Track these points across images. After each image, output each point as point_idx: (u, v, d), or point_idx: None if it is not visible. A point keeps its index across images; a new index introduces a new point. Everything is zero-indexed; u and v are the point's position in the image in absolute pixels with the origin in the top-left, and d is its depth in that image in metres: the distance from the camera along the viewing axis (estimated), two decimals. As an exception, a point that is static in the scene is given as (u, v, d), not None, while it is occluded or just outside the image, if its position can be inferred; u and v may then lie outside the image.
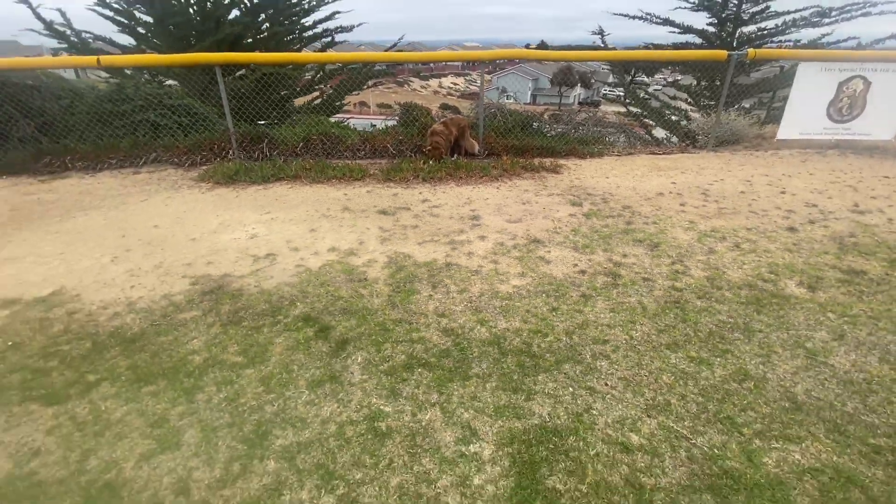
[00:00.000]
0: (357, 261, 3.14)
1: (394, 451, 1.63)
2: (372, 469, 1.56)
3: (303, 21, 10.41)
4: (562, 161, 5.61)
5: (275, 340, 2.28)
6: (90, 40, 10.79)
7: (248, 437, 1.69)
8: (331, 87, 11.40)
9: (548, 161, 5.50)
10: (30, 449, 1.66)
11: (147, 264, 3.11)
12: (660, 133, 11.31)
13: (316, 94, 11.09)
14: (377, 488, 1.49)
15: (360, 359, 2.14)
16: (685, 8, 11.65)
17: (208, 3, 10.01)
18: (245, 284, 2.83)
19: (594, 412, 1.81)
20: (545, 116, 8.33)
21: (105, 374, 2.04)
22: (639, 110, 12.34)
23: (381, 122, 7.59)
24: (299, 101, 11.16)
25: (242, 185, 4.73)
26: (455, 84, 69.79)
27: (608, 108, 19.51)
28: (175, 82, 9.78)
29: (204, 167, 5.26)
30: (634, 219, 3.83)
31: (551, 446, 1.64)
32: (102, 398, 1.90)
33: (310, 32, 10.55)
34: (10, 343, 2.29)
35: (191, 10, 9.80)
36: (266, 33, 10.10)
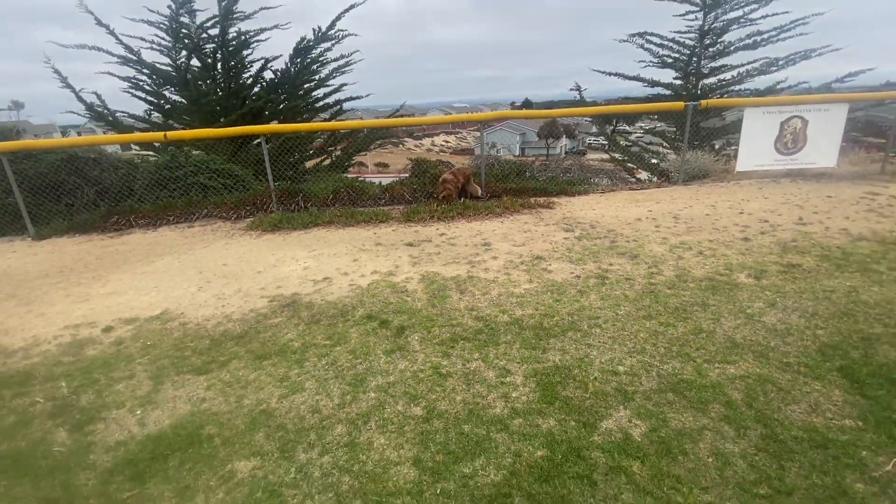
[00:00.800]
0: (396, 279, 3.95)
1: (454, 384, 2.37)
2: (441, 393, 2.30)
3: (314, 94, 11.88)
4: (554, 199, 6.58)
5: (349, 331, 3.04)
6: (124, 118, 12.18)
7: (351, 383, 2.43)
8: (340, 149, 12.73)
9: (542, 199, 6.47)
10: (198, 398, 2.39)
11: (228, 290, 3.91)
12: (643, 175, 12.56)
13: (325, 156, 12.38)
14: (447, 402, 2.22)
15: (416, 337, 2.90)
16: (653, 65, 13.30)
17: (232, 84, 11.49)
18: (313, 299, 3.62)
19: (591, 357, 2.56)
20: (535, 164, 9.48)
21: (230, 357, 2.79)
22: (621, 156, 13.70)
23: (377, 180, 8.57)
24: (309, 164, 12.38)
25: (286, 231, 5.62)
26: (447, 142, 73.46)
27: (593, 156, 21.10)
28: (200, 151, 11.00)
29: (248, 219, 6.18)
30: (617, 239, 4.70)
31: (563, 375, 2.39)
32: (236, 369, 2.64)
33: (321, 103, 11.99)
34: (148, 343, 3.04)
35: (218, 91, 11.24)
36: (283, 106, 11.48)
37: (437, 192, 6.42)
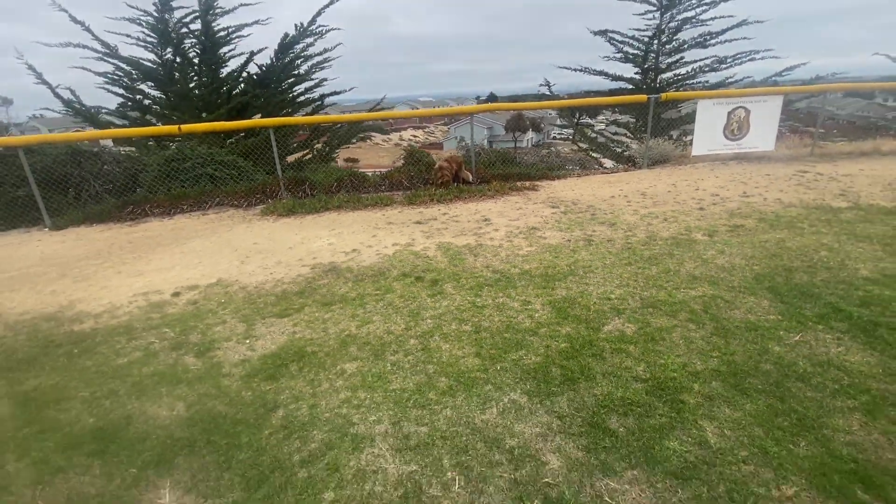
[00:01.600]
0: (416, 248, 4.64)
1: (490, 312, 3.10)
2: (482, 317, 3.03)
3: (295, 89, 12.25)
4: (537, 182, 7.41)
5: (392, 284, 3.72)
6: (102, 114, 12.21)
7: (408, 315, 3.12)
8: (321, 142, 13.15)
9: (527, 183, 7.28)
10: (290, 331, 3.02)
11: (269, 262, 4.48)
12: (608, 164, 13.64)
13: (307, 150, 12.78)
14: (488, 322, 2.96)
15: (449, 286, 3.61)
16: (615, 59, 14.41)
17: (212, 79, 11.71)
18: (350, 265, 4.26)
19: (589, 290, 3.36)
20: (514, 154, 10.32)
21: (301, 305, 3.41)
22: (588, 146, 14.77)
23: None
24: (290, 158, 12.75)
25: (300, 216, 6.18)
26: (414, 136, 73.58)
27: (561, 148, 22.23)
28: (194, 143, 11.22)
29: (260, 206, 6.67)
30: (596, 212, 5.56)
31: (570, 302, 3.17)
32: (310, 312, 3.27)
33: (303, 98, 12.38)
34: (221, 301, 3.61)
35: (202, 87, 11.46)
36: (266, 101, 11.80)
37: (433, 179, 7.11)
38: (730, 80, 13.77)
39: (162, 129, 6.81)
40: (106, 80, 11.81)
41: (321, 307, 3.36)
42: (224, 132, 10.13)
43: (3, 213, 6.51)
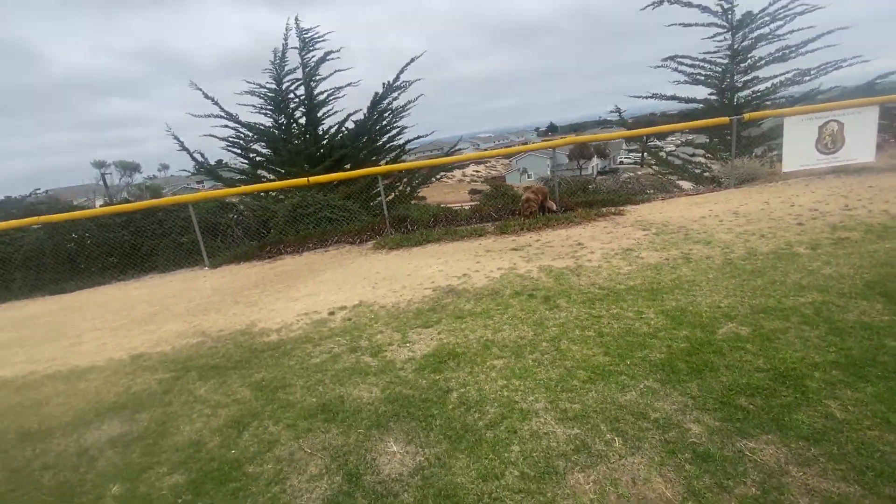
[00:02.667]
0: (520, 271, 5.20)
1: (607, 320, 3.55)
2: (601, 325, 3.48)
3: (384, 138, 13.68)
4: (621, 207, 7.74)
5: (510, 301, 4.29)
6: (223, 172, 14.34)
7: (533, 325, 3.66)
8: (403, 184, 14.37)
9: (612, 209, 7.64)
10: (437, 338, 3.67)
11: (396, 286, 5.26)
12: (686, 185, 13.49)
13: (392, 192, 14.02)
14: (608, 328, 3.40)
15: (562, 301, 4.11)
16: (686, 83, 14.46)
17: (309, 135, 13.42)
18: (465, 287, 4.91)
19: (698, 301, 3.69)
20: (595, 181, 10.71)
21: (438, 318, 4.07)
22: (665, 169, 14.72)
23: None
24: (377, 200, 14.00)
25: (406, 248, 7.03)
26: (477, 171, 75.52)
27: (631, 173, 22.01)
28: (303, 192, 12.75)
29: (370, 242, 7.65)
30: (689, 233, 5.81)
31: (681, 311, 3.53)
32: (448, 323, 3.92)
33: (391, 145, 13.78)
34: (370, 317, 4.38)
35: (307, 144, 13.19)
36: (363, 153, 13.30)
37: (521, 210, 7.72)
38: (814, 91, 13.24)
39: (295, 181, 8.12)
40: (228, 143, 14.02)
41: (455, 319, 4.00)
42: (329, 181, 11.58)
43: (171, 255, 8.04)
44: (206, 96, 13.27)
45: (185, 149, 13.42)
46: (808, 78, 12.95)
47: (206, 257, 7.67)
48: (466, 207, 8.69)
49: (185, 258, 8.03)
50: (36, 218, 7.23)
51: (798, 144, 7.77)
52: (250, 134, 13.39)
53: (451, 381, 2.96)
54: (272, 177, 14.13)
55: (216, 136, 13.86)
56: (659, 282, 4.25)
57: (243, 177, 14.71)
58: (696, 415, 2.32)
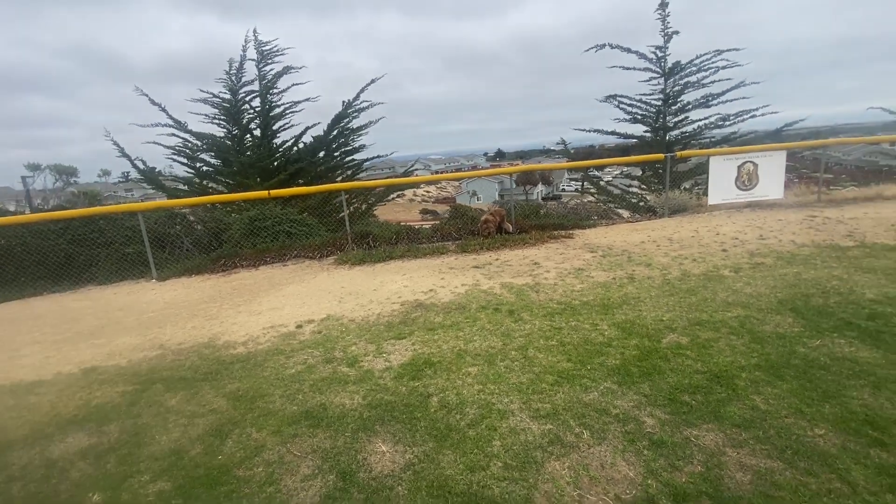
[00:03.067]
0: (483, 287, 5.51)
1: (567, 331, 3.91)
2: (562, 335, 3.83)
3: (335, 155, 13.75)
4: (570, 231, 8.36)
5: (477, 314, 4.56)
6: (169, 180, 13.78)
7: (501, 336, 3.94)
8: (360, 202, 14.45)
9: (562, 232, 8.23)
10: (411, 349, 3.84)
11: (363, 301, 5.38)
12: (625, 213, 14.67)
13: (347, 209, 14.04)
14: (569, 338, 3.76)
15: (525, 315, 4.44)
16: (625, 121, 15.85)
17: (262, 149, 13.25)
18: (432, 301, 5.13)
19: (644, 315, 4.16)
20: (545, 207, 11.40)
21: (410, 331, 4.25)
22: (605, 198, 15.89)
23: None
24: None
25: (370, 264, 7.14)
26: (428, 192, 76.42)
27: (574, 200, 23.41)
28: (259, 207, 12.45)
29: (332, 257, 7.68)
30: (632, 256, 6.43)
31: (630, 324, 3.97)
32: (420, 335, 4.10)
33: (350, 162, 13.85)
34: (341, 330, 4.47)
35: (261, 157, 12.98)
36: (316, 167, 13.27)
37: (479, 230, 8.11)
38: (734, 135, 15.02)
39: (255, 194, 7.99)
40: (173, 151, 13.47)
41: (426, 332, 4.20)
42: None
43: (113, 267, 7.59)
44: (153, 102, 12.77)
45: (125, 155, 12.73)
46: (727, 123, 14.70)
47: (155, 269, 7.32)
48: (426, 227, 8.97)
49: (128, 270, 7.60)
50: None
51: (720, 181, 8.83)
52: (200, 143, 12.96)
53: (430, 387, 3.15)
54: (221, 188, 13.70)
55: (161, 144, 13.30)
56: (609, 298, 4.71)
57: (186, 187, 14.15)
58: (649, 410, 2.68)
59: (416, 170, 18.96)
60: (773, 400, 2.68)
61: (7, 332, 5.39)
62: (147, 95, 12.72)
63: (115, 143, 12.53)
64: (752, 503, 1.97)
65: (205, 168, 13.86)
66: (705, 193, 10.42)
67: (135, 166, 12.86)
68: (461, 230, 8.45)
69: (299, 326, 4.69)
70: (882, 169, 18.17)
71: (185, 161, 13.68)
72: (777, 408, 2.60)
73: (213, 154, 13.73)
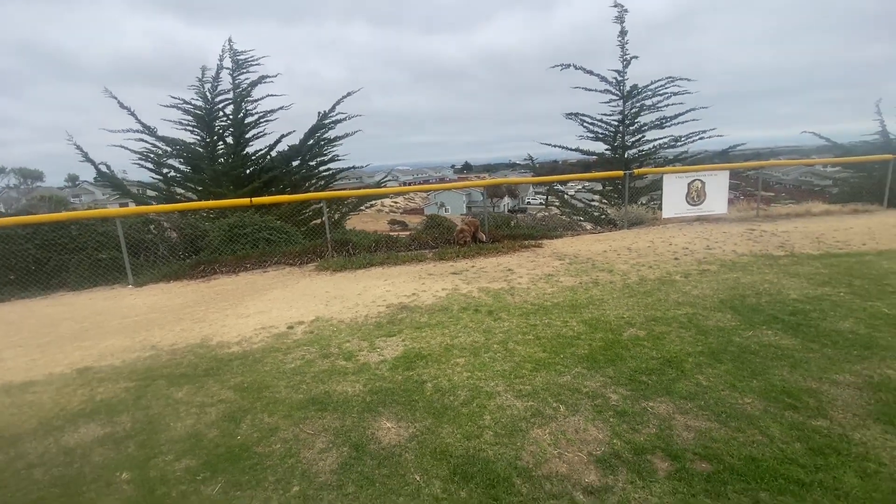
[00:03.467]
0: (462, 291, 5.94)
1: (542, 328, 4.39)
2: (537, 331, 4.30)
3: (318, 164, 13.93)
4: (540, 241, 8.95)
5: (459, 314, 4.97)
6: (133, 187, 13.57)
7: (483, 332, 4.37)
8: (332, 210, 14.62)
9: (532, 241, 8.81)
10: (402, 344, 4.20)
11: (349, 304, 5.68)
12: (587, 226, 15.58)
13: (320, 218, 14.20)
14: (544, 333, 4.23)
15: (503, 314, 4.89)
16: (587, 138, 16.88)
17: (233, 157, 13.29)
18: (416, 304, 5.50)
19: (608, 314, 4.70)
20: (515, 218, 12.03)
21: (399, 329, 4.60)
22: (568, 210, 16.79)
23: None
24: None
25: (351, 270, 7.43)
26: (395, 202, 76.62)
27: (538, 213, 24.37)
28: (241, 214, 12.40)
29: (312, 264, 7.90)
30: (596, 263, 7.05)
31: (596, 320, 4.49)
32: (409, 332, 4.46)
33: (325, 172, 14.03)
34: (332, 330, 4.76)
35: (233, 163, 12.99)
36: (295, 176, 13.39)
37: (455, 239, 8.56)
38: (685, 155, 16.32)
39: (237, 201, 8.11)
40: (140, 156, 13.28)
41: (414, 330, 4.57)
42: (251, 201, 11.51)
43: (86, 272, 7.50)
44: (122, 106, 12.59)
45: (89, 160, 12.43)
46: (679, 143, 15.97)
47: (132, 275, 7.31)
48: (403, 235, 9.33)
49: (101, 276, 7.53)
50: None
51: (673, 197, 9.71)
52: (169, 149, 12.83)
53: (423, 376, 3.52)
54: (190, 195, 13.55)
55: (129, 149, 13.07)
56: (576, 300, 5.25)
57: (154, 193, 13.93)
58: (613, 388, 3.16)
59: (388, 181, 19.29)
60: (713, 378, 3.22)
61: (-18, 336, 5.33)
62: (116, 98, 12.48)
63: (79, 147, 12.22)
64: (695, 453, 2.46)
65: (171, 174, 13.70)
66: (660, 208, 11.31)
67: (99, 171, 12.58)
68: (437, 239, 8.87)
69: (290, 327, 4.95)
70: (814, 188, 20.08)
71: (151, 167, 13.49)
72: (716, 384, 3.14)
73: (181, 160, 13.60)
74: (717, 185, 9.81)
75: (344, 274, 7.28)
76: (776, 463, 2.33)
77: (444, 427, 2.81)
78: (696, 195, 9.76)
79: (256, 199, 7.73)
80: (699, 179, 9.77)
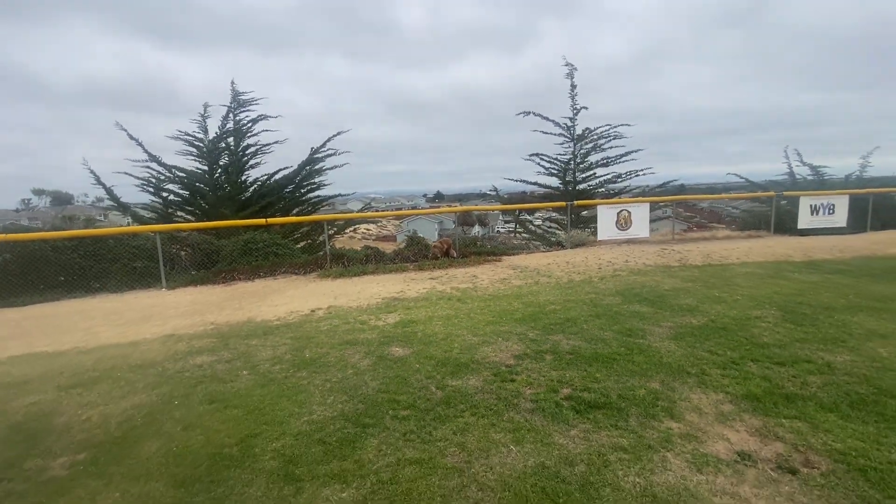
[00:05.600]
0: (438, 289, 7.97)
1: (494, 306, 6.47)
2: (491, 309, 6.38)
3: (309, 192, 15.87)
4: (500, 257, 11.15)
5: (437, 301, 6.99)
6: (137, 208, 15.15)
7: (454, 309, 6.41)
8: (319, 234, 16.44)
9: (493, 257, 10.99)
10: (398, 316, 6.17)
11: (352, 298, 7.59)
12: (541, 247, 18.00)
13: (308, 239, 16.03)
14: (495, 309, 6.31)
15: (468, 300, 6.94)
16: (544, 174, 19.58)
17: (229, 186, 15.08)
18: (404, 296, 7.48)
19: (539, 300, 6.83)
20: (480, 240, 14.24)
21: (397, 308, 6.56)
22: (529, 236, 19.24)
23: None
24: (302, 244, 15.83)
25: (348, 277, 9.34)
26: (368, 230, 78.08)
27: (509, 240, 26.73)
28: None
29: (314, 273, 9.76)
30: (540, 271, 9.26)
31: (530, 303, 6.61)
32: (402, 310, 6.44)
33: (315, 198, 15.97)
34: (344, 311, 6.66)
35: (228, 189, 14.77)
36: (285, 202, 15.25)
37: (431, 254, 10.63)
38: (628, 188, 19.21)
39: (252, 221, 9.93)
40: (143, 182, 14.89)
41: (405, 309, 6.55)
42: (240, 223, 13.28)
43: (124, 278, 9.09)
44: (131, 137, 14.28)
45: (101, 184, 13.97)
46: (620, 179, 18.87)
47: (165, 280, 8.97)
48: (387, 252, 11.34)
49: (136, 281, 9.15)
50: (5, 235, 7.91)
51: (605, 223, 12.20)
52: (178, 176, 14.51)
53: (415, 329, 5.51)
54: (189, 217, 15.15)
55: (133, 175, 14.66)
56: (521, 292, 7.38)
57: (155, 215, 15.45)
58: (531, 331, 5.24)
59: (369, 208, 21.30)
60: (592, 326, 5.37)
61: (66, 321, 6.91)
62: (126, 130, 14.19)
63: (92, 172, 13.79)
64: (567, 352, 4.55)
65: (171, 198, 15.31)
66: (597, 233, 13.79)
67: (110, 194, 14.10)
68: (416, 254, 10.92)
69: (313, 311, 6.83)
70: (735, 218, 23.36)
71: (151, 191, 15.08)
72: (591, 328, 5.28)
73: (181, 186, 15.25)
74: (641, 215, 12.39)
75: (342, 280, 9.20)
76: (602, 355, 4.44)
77: (430, 349, 4.80)
78: (623, 222, 12.29)
79: (271, 220, 9.59)
80: (626, 210, 12.32)
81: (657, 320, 5.52)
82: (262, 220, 9.57)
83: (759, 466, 2.70)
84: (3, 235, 7.98)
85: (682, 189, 18.49)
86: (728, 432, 3.07)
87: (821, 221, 13.16)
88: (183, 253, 9.89)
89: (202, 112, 15.29)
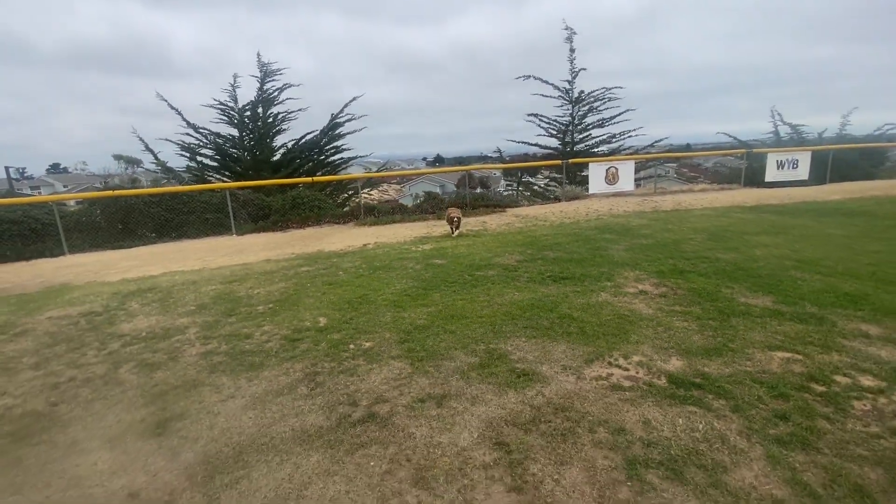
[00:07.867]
0: (458, 230, 10.38)
1: (502, 239, 8.89)
2: (499, 239, 8.81)
3: (331, 154, 18.05)
4: (505, 208, 13.51)
5: (458, 239, 9.41)
6: (181, 170, 17.44)
7: (470, 242, 8.83)
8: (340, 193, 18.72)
9: (500, 209, 13.35)
10: (431, 245, 8.61)
11: (389, 237, 10.01)
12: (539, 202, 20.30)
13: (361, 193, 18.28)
14: (502, 240, 8.73)
15: (483, 237, 9.36)
16: (544, 135, 21.62)
17: (258, 150, 17.23)
18: (431, 236, 9.89)
19: (538, 234, 9.25)
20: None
21: (428, 240, 8.99)
22: (531, 194, 21.49)
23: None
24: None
25: (380, 225, 11.74)
26: (370, 195, 79.93)
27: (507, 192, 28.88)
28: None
29: (351, 223, 12.14)
30: (538, 218, 11.64)
31: (530, 236, 9.03)
32: (435, 241, 8.87)
33: (337, 159, 18.17)
34: (389, 245, 9.09)
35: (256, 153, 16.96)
36: (311, 164, 17.46)
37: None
38: (622, 148, 21.31)
39: (302, 179, 12.23)
40: (182, 147, 17.07)
41: (435, 242, 8.97)
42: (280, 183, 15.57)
43: (200, 227, 11.50)
44: (171, 107, 16.33)
45: (149, 149, 16.18)
46: (614, 140, 20.95)
47: (235, 227, 11.38)
48: (410, 205, 13.69)
49: (210, 229, 11.56)
50: (110, 192, 10.25)
51: (596, 179, 14.48)
52: (216, 142, 16.67)
53: (446, 252, 7.95)
54: (225, 178, 17.41)
55: (172, 141, 16.83)
56: (521, 232, 9.79)
57: (190, 176, 17.66)
58: (528, 251, 7.68)
59: (387, 167, 23.44)
60: (571, 246, 7.79)
61: (178, 255, 9.35)
62: (166, 101, 16.25)
63: (141, 139, 15.97)
64: (551, 259, 6.98)
65: (206, 162, 17.52)
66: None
67: (157, 159, 16.33)
68: (434, 207, 13.28)
69: (365, 245, 9.26)
70: (718, 172, 25.48)
71: (187, 155, 17.27)
72: (571, 247, 7.71)
73: (216, 151, 17.41)
74: (628, 171, 14.65)
75: (376, 227, 11.61)
76: (575, 259, 6.85)
77: (459, 260, 7.25)
78: (611, 178, 14.57)
79: (317, 178, 11.88)
80: (614, 166, 14.57)
81: (619, 241, 7.96)
82: (309, 179, 11.84)
83: (648, 294, 5.17)
84: (112, 192, 10.31)
85: (688, 148, 20.56)
86: (638, 285, 5.53)
87: (785, 175, 15.40)
88: (242, 208, 12.24)
89: (232, 83, 17.27)
